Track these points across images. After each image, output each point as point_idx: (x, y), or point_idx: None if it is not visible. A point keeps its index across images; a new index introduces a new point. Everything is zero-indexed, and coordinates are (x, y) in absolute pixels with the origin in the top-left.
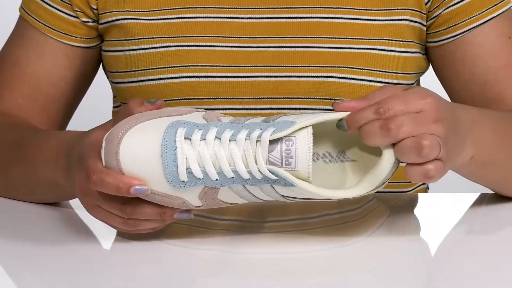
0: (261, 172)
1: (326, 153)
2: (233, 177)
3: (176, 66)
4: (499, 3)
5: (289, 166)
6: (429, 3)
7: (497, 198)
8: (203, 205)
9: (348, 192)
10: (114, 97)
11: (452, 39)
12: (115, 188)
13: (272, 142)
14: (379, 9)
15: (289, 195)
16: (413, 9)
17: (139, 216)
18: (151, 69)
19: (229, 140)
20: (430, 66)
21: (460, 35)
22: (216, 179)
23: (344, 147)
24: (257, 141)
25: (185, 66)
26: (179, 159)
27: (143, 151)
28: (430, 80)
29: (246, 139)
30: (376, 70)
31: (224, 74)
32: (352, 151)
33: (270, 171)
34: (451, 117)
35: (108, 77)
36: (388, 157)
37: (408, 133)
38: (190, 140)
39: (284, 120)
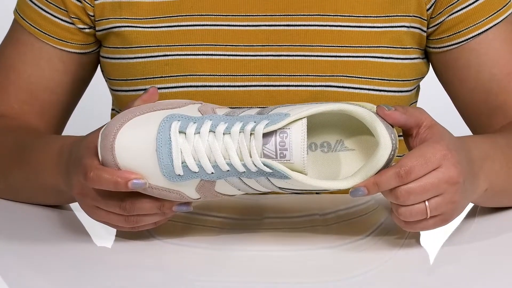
0: (255, 165)
1: (324, 142)
2: (228, 170)
3: (174, 76)
4: (502, 8)
5: (283, 159)
6: (430, 10)
7: None
8: (201, 198)
9: (344, 182)
10: (113, 100)
11: (456, 45)
12: (113, 183)
13: (267, 134)
14: (378, 15)
15: (285, 187)
16: (414, 15)
17: (139, 211)
18: (149, 78)
19: (223, 133)
20: (431, 69)
21: (464, 42)
22: (212, 172)
23: (342, 136)
24: (251, 134)
25: (183, 75)
26: (174, 153)
27: (138, 145)
28: (430, 81)
29: (240, 132)
30: (375, 79)
31: (221, 84)
32: (350, 140)
33: (264, 164)
34: (465, 159)
35: (106, 82)
36: (384, 147)
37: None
38: (185, 133)
39: (278, 112)
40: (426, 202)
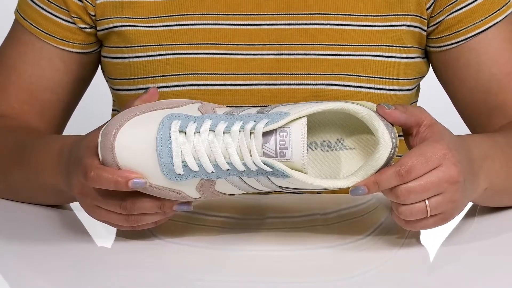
0: (255, 164)
1: (324, 141)
2: (228, 169)
3: (175, 75)
4: (501, 8)
5: (284, 158)
6: (430, 9)
7: None
8: (201, 197)
9: (345, 181)
10: (114, 101)
11: (455, 45)
12: (114, 183)
13: (267, 133)
14: (379, 14)
15: (286, 186)
16: (414, 14)
17: (139, 210)
18: (150, 77)
19: (223, 133)
20: (431, 69)
21: (464, 41)
22: (212, 172)
23: (343, 135)
24: (251, 133)
25: (184, 74)
26: (174, 152)
27: (139, 145)
28: (430, 81)
29: (240, 131)
30: (375, 77)
31: (223, 82)
32: (350, 139)
33: (264, 163)
34: (465, 159)
35: (107, 81)
36: (384, 146)
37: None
38: (185, 133)
39: (278, 111)
40: (426, 201)
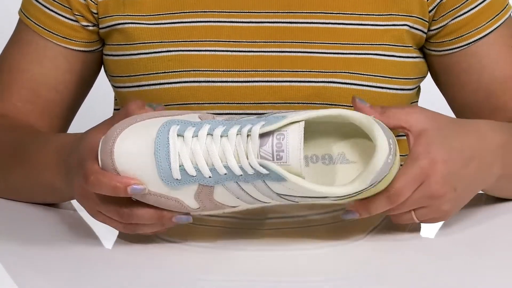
0: (252, 167)
1: (326, 155)
2: (225, 174)
3: (177, 71)
4: (501, 11)
5: (280, 161)
6: (433, 11)
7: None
8: (200, 207)
9: (342, 189)
10: (115, 100)
11: (457, 49)
12: (112, 188)
13: (264, 136)
14: (381, 14)
15: (283, 193)
16: (416, 16)
17: (137, 220)
18: (152, 74)
19: (221, 136)
20: None
21: (466, 46)
22: (209, 176)
23: (344, 148)
24: (248, 135)
25: (186, 71)
26: (171, 156)
27: (137, 150)
28: (430, 81)
29: (237, 134)
30: (377, 76)
31: (224, 79)
32: (352, 153)
33: (261, 165)
34: (465, 160)
35: (109, 80)
36: (381, 151)
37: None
38: (183, 137)
39: (275, 116)
40: (413, 212)
